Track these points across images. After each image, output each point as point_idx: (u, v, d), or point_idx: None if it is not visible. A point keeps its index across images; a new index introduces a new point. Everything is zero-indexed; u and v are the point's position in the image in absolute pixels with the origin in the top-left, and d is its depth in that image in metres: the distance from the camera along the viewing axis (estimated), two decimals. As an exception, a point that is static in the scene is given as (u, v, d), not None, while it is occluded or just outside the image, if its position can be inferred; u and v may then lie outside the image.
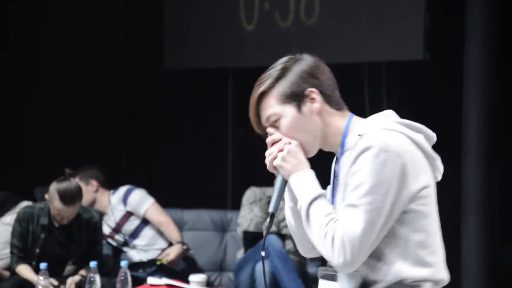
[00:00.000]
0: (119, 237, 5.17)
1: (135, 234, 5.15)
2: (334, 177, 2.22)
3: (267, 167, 2.21)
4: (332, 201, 2.18)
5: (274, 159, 2.16)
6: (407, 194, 2.03)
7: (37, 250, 4.54)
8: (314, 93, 2.15)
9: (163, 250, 5.07)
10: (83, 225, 4.60)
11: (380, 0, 5.63)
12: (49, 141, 6.01)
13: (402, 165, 2.02)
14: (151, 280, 4.32)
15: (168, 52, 7.05)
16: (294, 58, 2.20)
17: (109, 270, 4.77)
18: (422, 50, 5.24)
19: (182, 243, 5.03)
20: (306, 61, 2.19)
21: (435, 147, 2.21)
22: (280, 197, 2.18)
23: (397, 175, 2.01)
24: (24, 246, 4.56)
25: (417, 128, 2.13)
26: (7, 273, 4.76)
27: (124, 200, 5.14)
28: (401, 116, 2.17)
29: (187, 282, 4.39)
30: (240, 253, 5.05)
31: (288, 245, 4.91)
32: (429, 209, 2.07)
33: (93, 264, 3.99)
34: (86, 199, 4.94)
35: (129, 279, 3.95)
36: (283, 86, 2.15)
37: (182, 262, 5.05)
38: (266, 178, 5.32)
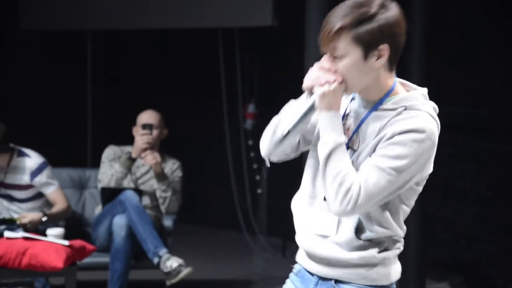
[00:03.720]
0: None
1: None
2: (344, 116, 2.28)
3: (305, 84, 2.24)
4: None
5: (320, 85, 2.19)
6: (421, 176, 2.22)
7: None
8: (385, 50, 2.18)
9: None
10: None
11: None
12: None
13: (432, 154, 2.20)
14: (7, 234, 4.31)
15: (24, 13, 6.99)
16: (383, 4, 2.18)
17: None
18: (271, 17, 5.47)
19: (45, 214, 5.02)
20: (393, 13, 2.18)
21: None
22: (302, 119, 2.24)
23: (427, 161, 2.19)
24: None
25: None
26: None
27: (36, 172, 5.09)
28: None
29: (45, 235, 4.42)
30: (98, 209, 5.16)
31: (145, 200, 5.05)
32: (420, 190, 2.28)
33: None
34: None
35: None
36: (363, 31, 2.15)
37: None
38: (124, 137, 5.49)
